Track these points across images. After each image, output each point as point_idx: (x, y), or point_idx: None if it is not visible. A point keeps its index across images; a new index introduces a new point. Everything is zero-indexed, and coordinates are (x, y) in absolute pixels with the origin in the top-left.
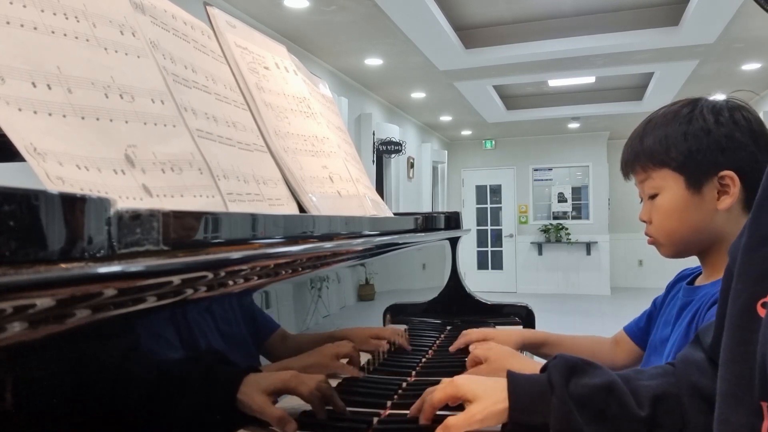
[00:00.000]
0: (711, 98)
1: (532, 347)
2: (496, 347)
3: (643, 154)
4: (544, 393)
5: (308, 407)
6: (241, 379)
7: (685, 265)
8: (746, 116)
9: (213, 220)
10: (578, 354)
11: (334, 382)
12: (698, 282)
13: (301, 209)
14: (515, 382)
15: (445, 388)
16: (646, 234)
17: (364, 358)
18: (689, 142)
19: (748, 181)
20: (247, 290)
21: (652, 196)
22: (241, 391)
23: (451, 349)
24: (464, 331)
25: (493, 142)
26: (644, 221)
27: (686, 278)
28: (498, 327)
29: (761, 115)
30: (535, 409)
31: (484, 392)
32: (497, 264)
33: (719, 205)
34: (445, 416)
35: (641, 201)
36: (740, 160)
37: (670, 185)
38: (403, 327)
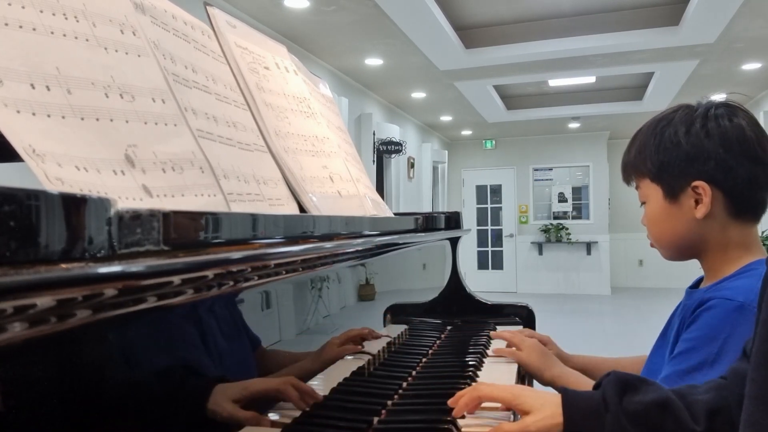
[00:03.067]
0: (695, 104)
1: (578, 369)
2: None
3: (629, 164)
4: (599, 410)
5: (306, 408)
6: (213, 387)
7: (685, 265)
8: (721, 124)
9: (213, 220)
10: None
11: (334, 382)
12: (702, 286)
13: (302, 209)
14: (569, 398)
15: (503, 391)
16: (648, 238)
17: (365, 357)
18: (660, 154)
19: (724, 189)
20: (247, 290)
21: (644, 203)
22: (210, 402)
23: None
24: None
25: (494, 142)
26: (645, 226)
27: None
28: (501, 328)
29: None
30: (589, 426)
31: (541, 405)
32: (497, 264)
33: (696, 213)
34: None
35: (641, 205)
36: (710, 169)
37: (652, 194)
38: (403, 327)
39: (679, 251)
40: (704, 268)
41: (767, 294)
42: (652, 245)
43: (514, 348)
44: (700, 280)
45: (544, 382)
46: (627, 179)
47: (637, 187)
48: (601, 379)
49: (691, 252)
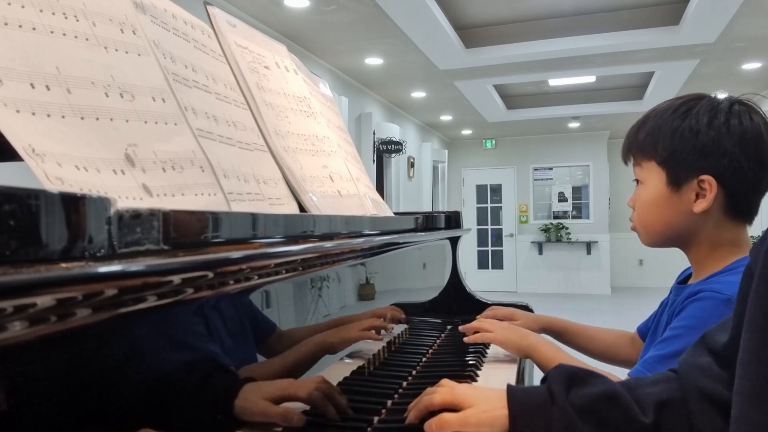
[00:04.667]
0: (718, 96)
1: (554, 333)
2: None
3: (636, 143)
4: (545, 403)
5: (307, 407)
6: (240, 385)
7: (686, 265)
8: (743, 122)
9: (213, 219)
10: (598, 345)
11: (334, 382)
12: (690, 281)
13: (302, 209)
14: (514, 393)
15: (444, 394)
16: (630, 219)
17: (365, 357)
18: (675, 140)
19: (729, 188)
20: (247, 290)
21: (639, 184)
22: (240, 398)
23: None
24: (492, 307)
25: (494, 142)
26: (631, 207)
27: (683, 278)
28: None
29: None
30: (536, 420)
31: (482, 400)
32: (498, 263)
33: (694, 207)
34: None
35: (635, 182)
36: (722, 166)
37: (653, 177)
38: (403, 326)
39: (665, 239)
40: (690, 260)
41: (753, 289)
42: (631, 228)
43: (484, 333)
44: (687, 276)
45: (523, 353)
46: (627, 158)
47: (635, 165)
48: (548, 372)
49: (677, 242)
